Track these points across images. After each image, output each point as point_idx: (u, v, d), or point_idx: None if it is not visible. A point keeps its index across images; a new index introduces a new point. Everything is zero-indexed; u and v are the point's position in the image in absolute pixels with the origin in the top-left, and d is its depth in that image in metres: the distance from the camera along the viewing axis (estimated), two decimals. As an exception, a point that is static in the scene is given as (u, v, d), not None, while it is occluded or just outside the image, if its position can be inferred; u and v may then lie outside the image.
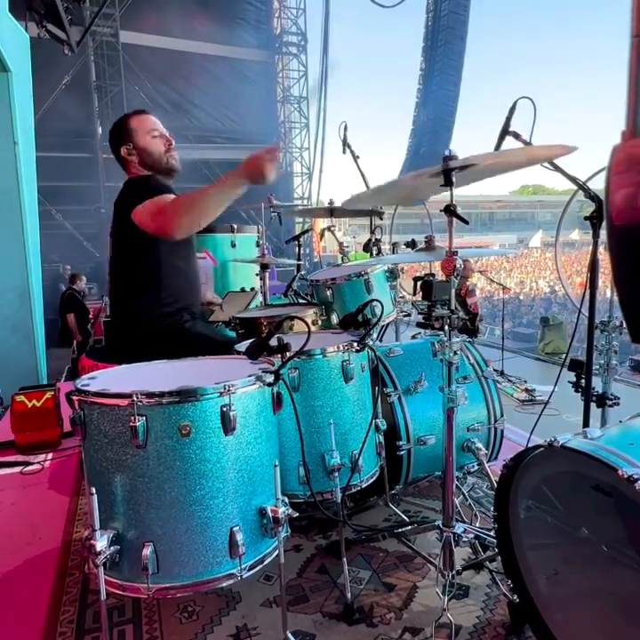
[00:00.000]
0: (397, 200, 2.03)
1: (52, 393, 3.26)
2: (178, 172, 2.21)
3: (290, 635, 1.43)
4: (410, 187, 1.73)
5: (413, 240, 2.75)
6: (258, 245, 3.20)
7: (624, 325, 2.02)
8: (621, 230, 0.90)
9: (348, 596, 1.66)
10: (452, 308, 1.56)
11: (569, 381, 2.02)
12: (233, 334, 2.38)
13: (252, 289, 3.23)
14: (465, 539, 1.67)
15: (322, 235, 3.77)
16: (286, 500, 1.41)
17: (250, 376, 1.37)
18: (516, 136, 1.90)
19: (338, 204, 3.09)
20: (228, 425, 1.29)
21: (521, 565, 1.45)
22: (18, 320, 4.34)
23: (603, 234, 1.79)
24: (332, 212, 3.05)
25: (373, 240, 2.96)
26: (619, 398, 2.04)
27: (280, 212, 3.25)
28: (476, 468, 2.23)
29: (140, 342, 2.08)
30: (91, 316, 7.53)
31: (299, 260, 3.48)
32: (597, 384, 2.03)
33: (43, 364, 4.61)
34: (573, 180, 1.93)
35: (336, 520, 1.75)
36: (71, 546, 2.10)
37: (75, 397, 1.33)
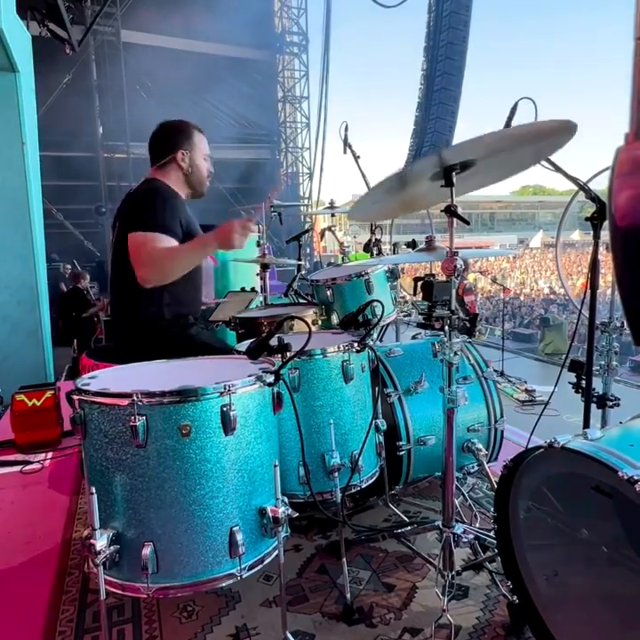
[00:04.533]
0: (400, 210, 2.02)
1: (53, 392, 3.25)
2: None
3: (289, 635, 1.43)
4: (412, 192, 1.73)
5: (414, 240, 2.75)
6: (258, 245, 3.20)
7: (625, 326, 2.02)
8: (625, 232, 0.90)
9: (348, 596, 1.66)
10: (453, 308, 1.56)
11: (569, 382, 2.02)
12: (234, 342, 2.37)
13: (253, 289, 3.23)
14: (465, 539, 1.67)
15: (322, 234, 3.77)
16: (286, 499, 1.42)
17: (250, 376, 1.37)
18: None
19: (338, 204, 3.09)
20: (228, 425, 1.29)
21: (521, 566, 1.45)
22: (26, 318, 4.35)
23: (604, 234, 1.79)
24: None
25: (374, 240, 2.96)
26: (619, 399, 2.04)
27: (281, 211, 3.25)
28: (476, 468, 2.22)
29: (141, 343, 2.08)
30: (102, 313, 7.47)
31: (299, 259, 3.48)
32: (598, 385, 2.02)
33: (50, 361, 4.61)
34: (574, 180, 1.93)
35: (336, 520, 1.75)
36: (71, 545, 2.10)
37: (75, 397, 1.33)
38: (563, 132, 1.44)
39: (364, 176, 3.06)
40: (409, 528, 1.97)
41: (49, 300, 4.92)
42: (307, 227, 12.00)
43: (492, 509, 1.50)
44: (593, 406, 1.98)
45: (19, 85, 4.13)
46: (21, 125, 4.18)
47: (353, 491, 1.78)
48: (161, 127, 2.24)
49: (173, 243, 2.01)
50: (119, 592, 1.31)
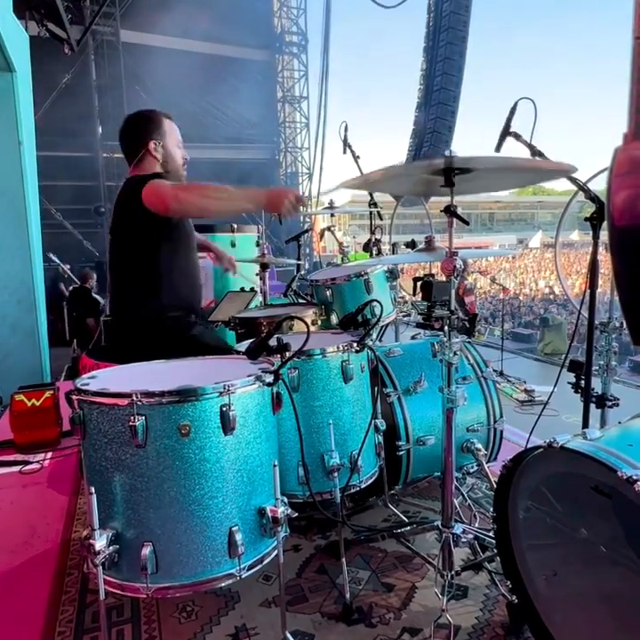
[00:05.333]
0: (396, 189, 2.00)
1: (52, 392, 3.25)
2: None
3: (288, 635, 1.43)
4: (412, 179, 1.72)
5: (413, 240, 2.75)
6: (258, 245, 3.20)
7: (624, 326, 2.02)
8: (623, 232, 0.91)
9: (347, 596, 1.66)
10: (452, 308, 1.56)
11: (568, 382, 2.02)
12: (233, 342, 2.37)
13: (252, 289, 3.23)
14: (464, 539, 1.67)
15: (322, 235, 3.77)
16: (285, 499, 1.42)
17: (249, 376, 1.37)
18: (517, 137, 1.90)
19: (338, 204, 3.09)
20: (227, 425, 1.29)
21: (520, 566, 1.45)
22: (20, 318, 4.35)
23: (603, 234, 1.79)
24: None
25: (373, 240, 2.96)
26: (618, 399, 2.04)
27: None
28: (476, 468, 2.23)
29: (142, 342, 2.07)
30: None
31: (299, 259, 3.48)
32: (597, 385, 2.03)
33: (46, 362, 4.62)
34: (573, 180, 1.93)
35: (335, 520, 1.75)
36: (70, 545, 2.10)
37: (74, 397, 1.33)
38: (562, 171, 1.44)
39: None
40: (408, 528, 1.97)
41: (47, 300, 4.92)
42: (306, 227, 12.00)
43: (492, 509, 1.50)
44: (592, 406, 1.97)
45: (15, 85, 4.12)
46: (18, 125, 4.18)
47: (352, 491, 1.78)
48: (129, 120, 2.17)
49: None
50: (118, 592, 1.31)
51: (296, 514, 1.43)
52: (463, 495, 2.22)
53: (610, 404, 2.03)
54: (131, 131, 2.16)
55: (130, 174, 2.16)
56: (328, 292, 2.50)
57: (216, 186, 1.92)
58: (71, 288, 8.16)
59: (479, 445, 2.17)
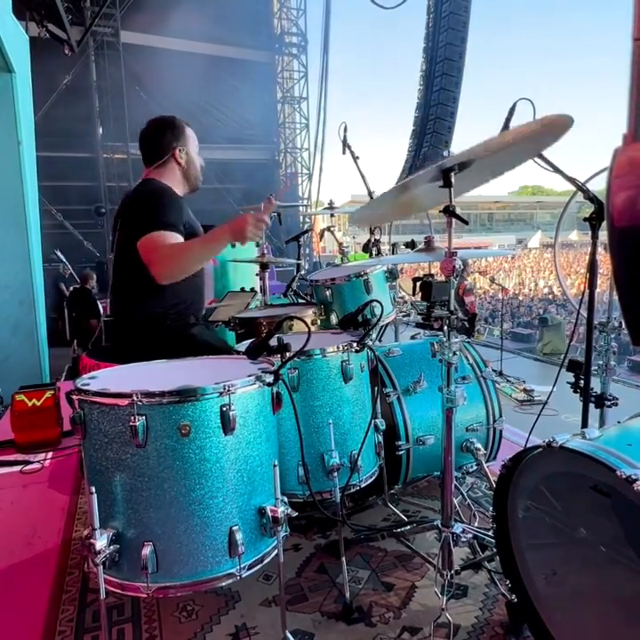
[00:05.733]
0: (400, 213, 2.01)
1: (52, 392, 3.26)
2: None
3: (289, 634, 1.44)
4: (411, 196, 1.73)
5: (413, 240, 2.76)
6: (257, 245, 3.20)
7: (623, 326, 2.02)
8: (622, 233, 0.91)
9: (347, 595, 1.66)
10: (452, 308, 1.56)
11: (568, 382, 2.02)
12: (233, 342, 2.38)
13: (252, 289, 3.23)
14: (464, 538, 1.68)
15: (321, 235, 3.77)
16: (286, 499, 1.42)
17: (249, 376, 1.38)
18: (516, 137, 1.90)
19: (338, 204, 3.10)
20: (227, 425, 1.30)
21: (519, 565, 1.45)
22: (20, 318, 4.36)
23: (602, 234, 1.79)
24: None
25: (373, 240, 2.97)
26: (617, 399, 2.04)
27: (280, 212, 3.25)
28: (475, 468, 2.23)
29: (143, 342, 2.07)
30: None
31: (298, 259, 3.49)
32: (596, 385, 2.03)
33: (45, 362, 4.63)
34: (572, 180, 1.93)
35: (335, 520, 1.76)
36: (71, 545, 2.11)
37: (75, 397, 1.33)
38: (559, 126, 1.43)
39: (363, 177, 3.07)
40: (408, 527, 1.97)
41: (47, 300, 4.92)
42: (306, 227, 12.01)
43: (491, 509, 1.50)
44: (591, 406, 1.98)
45: (14, 86, 4.14)
46: (17, 125, 4.19)
47: (352, 490, 1.78)
48: (153, 125, 2.20)
49: (180, 239, 1.99)
50: (119, 591, 1.32)
51: (296, 513, 1.43)
52: (463, 494, 2.23)
53: (609, 403, 2.03)
54: (156, 135, 2.19)
55: (146, 176, 2.18)
56: (328, 292, 2.50)
57: (185, 250, 1.97)
58: (71, 288, 8.16)
59: (479, 445, 2.17)
